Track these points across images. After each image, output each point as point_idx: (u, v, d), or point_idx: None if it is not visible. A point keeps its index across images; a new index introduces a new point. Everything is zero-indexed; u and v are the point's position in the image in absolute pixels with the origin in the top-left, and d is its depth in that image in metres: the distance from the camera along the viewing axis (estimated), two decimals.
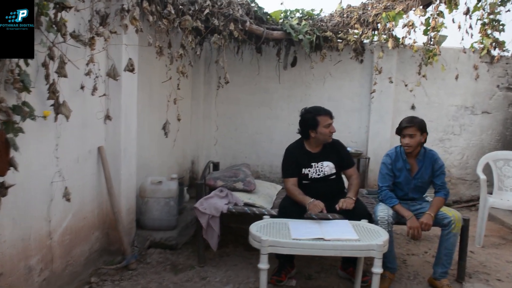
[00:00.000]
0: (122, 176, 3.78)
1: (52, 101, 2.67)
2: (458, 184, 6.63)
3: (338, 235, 2.97)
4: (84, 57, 3.06)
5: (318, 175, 3.63)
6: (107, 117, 3.38)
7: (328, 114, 3.61)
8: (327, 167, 3.64)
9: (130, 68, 3.37)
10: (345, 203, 3.40)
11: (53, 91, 2.64)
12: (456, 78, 6.24)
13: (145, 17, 3.67)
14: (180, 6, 4.00)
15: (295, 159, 3.65)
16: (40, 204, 2.79)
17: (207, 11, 4.18)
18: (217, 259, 3.94)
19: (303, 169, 3.64)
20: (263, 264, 2.87)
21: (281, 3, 6.30)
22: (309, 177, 3.63)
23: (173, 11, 3.83)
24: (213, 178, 4.05)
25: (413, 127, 3.52)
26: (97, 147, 3.55)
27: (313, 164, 3.64)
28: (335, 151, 3.72)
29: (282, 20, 5.65)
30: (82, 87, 3.07)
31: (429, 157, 3.61)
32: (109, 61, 3.35)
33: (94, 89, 3.12)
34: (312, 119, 3.57)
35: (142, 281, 3.41)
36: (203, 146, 6.55)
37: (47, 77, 2.60)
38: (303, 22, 5.65)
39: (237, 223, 4.37)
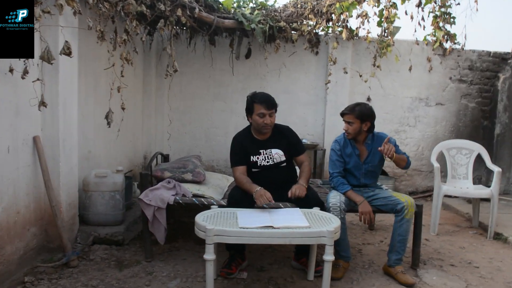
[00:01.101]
0: (62, 169, 3.53)
1: None
2: (414, 175, 6.67)
3: (287, 222, 2.86)
4: None
5: (268, 162, 3.50)
6: (42, 104, 3.12)
7: (264, 103, 3.41)
8: (276, 154, 3.51)
9: (66, 51, 3.13)
10: (298, 189, 3.28)
11: None
12: (410, 69, 6.28)
13: None
14: None
15: (242, 147, 3.52)
16: None
17: None
18: (166, 254, 3.76)
19: (252, 157, 3.50)
20: (209, 255, 2.71)
21: None
22: (259, 164, 3.50)
23: None
24: (161, 169, 3.86)
25: (351, 115, 3.48)
26: (32, 137, 3.31)
27: (261, 151, 3.51)
28: (284, 138, 3.59)
29: (234, 9, 5.52)
30: (11, 70, 2.83)
31: (378, 140, 3.55)
32: (43, 43, 3.11)
33: (25, 72, 2.87)
34: (249, 103, 3.49)
35: (83, 278, 3.19)
36: (155, 141, 6.33)
37: None
38: (256, 12, 5.53)
39: (189, 217, 4.20)
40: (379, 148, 3.37)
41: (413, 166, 6.64)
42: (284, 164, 3.56)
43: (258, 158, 3.50)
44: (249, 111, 3.49)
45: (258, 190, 3.23)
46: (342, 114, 3.56)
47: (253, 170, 3.52)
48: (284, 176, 3.54)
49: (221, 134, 6.46)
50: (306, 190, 3.35)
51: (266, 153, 3.51)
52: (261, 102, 3.41)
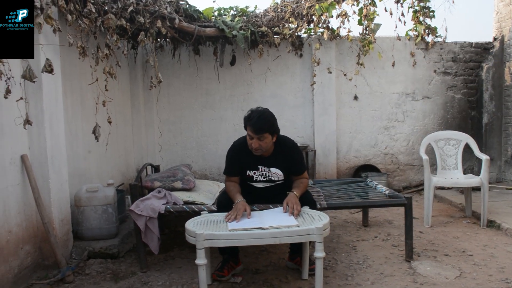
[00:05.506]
0: (52, 185, 3.55)
1: None
2: (406, 170, 6.71)
3: (276, 222, 2.88)
4: None
5: (265, 178, 3.39)
6: (27, 122, 3.15)
7: (252, 126, 3.17)
8: (274, 174, 3.38)
9: (48, 69, 3.16)
10: (295, 209, 3.09)
11: None
12: (393, 65, 6.34)
13: (63, 16, 3.50)
14: (102, 5, 3.83)
15: (238, 160, 3.39)
16: None
17: (131, 8, 4.02)
18: (162, 263, 3.77)
19: (248, 171, 3.38)
20: (201, 260, 2.74)
21: (214, 1, 6.19)
22: (255, 179, 3.39)
23: (93, 10, 3.66)
24: (150, 179, 3.88)
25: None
26: (20, 156, 3.33)
27: (260, 167, 3.38)
28: (286, 156, 3.39)
29: (215, 17, 5.56)
30: None
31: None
32: (24, 62, 3.14)
33: (7, 92, 2.90)
34: (244, 121, 3.31)
35: None
36: (147, 154, 6.35)
37: None
38: (237, 19, 5.58)
39: (183, 226, 4.17)
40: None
41: (405, 161, 6.70)
42: (281, 182, 3.45)
43: (254, 173, 3.38)
44: (245, 127, 3.29)
45: (239, 202, 3.16)
46: None
47: (248, 182, 3.43)
48: (279, 191, 3.41)
49: (212, 142, 6.49)
50: (298, 202, 3.21)
51: (264, 170, 3.38)
52: (250, 125, 3.20)
